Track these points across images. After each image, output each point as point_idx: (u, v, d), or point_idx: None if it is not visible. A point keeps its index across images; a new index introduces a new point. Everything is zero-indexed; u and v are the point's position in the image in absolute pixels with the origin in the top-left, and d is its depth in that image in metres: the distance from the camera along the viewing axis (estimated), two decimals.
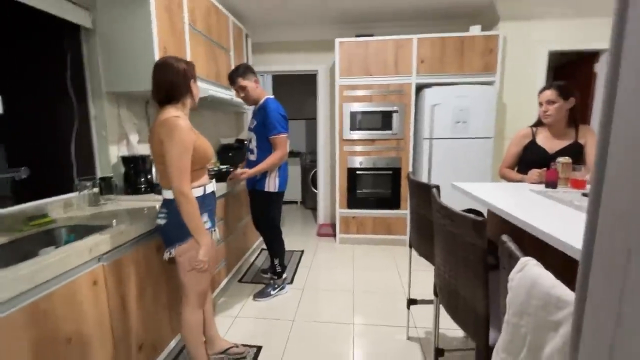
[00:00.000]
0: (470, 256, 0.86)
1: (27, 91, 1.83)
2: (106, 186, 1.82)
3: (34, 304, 0.93)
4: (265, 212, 2.26)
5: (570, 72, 3.55)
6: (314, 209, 4.60)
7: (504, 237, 0.64)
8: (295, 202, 5.24)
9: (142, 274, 1.41)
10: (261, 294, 2.33)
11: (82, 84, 1.85)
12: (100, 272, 1.18)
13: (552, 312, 0.48)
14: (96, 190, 1.76)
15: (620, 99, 0.31)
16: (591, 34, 3.02)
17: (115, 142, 1.97)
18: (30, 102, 1.83)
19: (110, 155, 1.93)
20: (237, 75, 2.10)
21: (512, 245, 0.61)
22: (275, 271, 2.37)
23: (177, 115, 1.28)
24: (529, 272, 0.51)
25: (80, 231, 1.40)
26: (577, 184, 1.52)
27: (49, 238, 1.36)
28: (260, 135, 2.15)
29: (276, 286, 2.37)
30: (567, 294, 0.48)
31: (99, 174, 1.91)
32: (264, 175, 2.17)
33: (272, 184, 2.18)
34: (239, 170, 2.17)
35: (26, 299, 0.91)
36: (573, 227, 1.01)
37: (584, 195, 1.37)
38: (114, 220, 1.42)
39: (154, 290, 1.49)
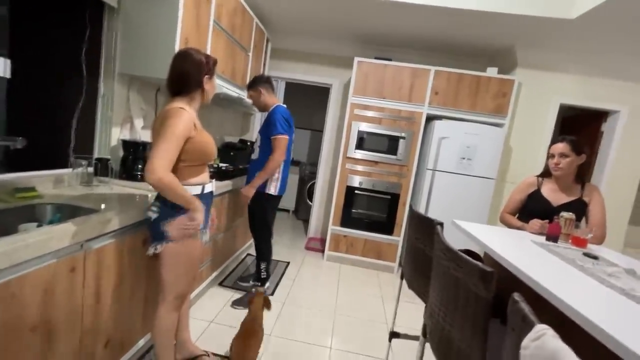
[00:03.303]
0: (472, 305, 0.83)
1: (39, 59, 1.78)
2: (102, 167, 1.76)
3: (5, 285, 0.86)
4: (261, 212, 2.30)
5: (578, 125, 3.60)
6: (305, 220, 4.54)
7: (516, 296, 0.61)
8: (288, 211, 5.17)
9: (123, 266, 1.34)
10: (241, 302, 2.25)
11: (96, 61, 1.81)
12: (80, 258, 1.11)
13: None
14: (91, 170, 1.70)
15: None
16: (603, 93, 3.08)
17: (119, 124, 1.92)
18: (41, 70, 1.79)
19: (111, 136, 1.88)
20: (258, 82, 2.28)
21: (526, 308, 0.57)
22: (259, 277, 2.32)
23: (182, 106, 1.25)
24: (547, 343, 0.47)
25: (66, 211, 1.34)
26: (578, 242, 1.49)
27: (32, 213, 1.29)
28: (263, 136, 2.25)
29: None
30: None
31: (97, 154, 1.85)
32: None
33: (272, 187, 2.24)
34: (243, 191, 2.22)
35: None
36: (574, 286, 0.98)
37: (585, 255, 1.35)
38: (103, 205, 1.36)
39: (131, 284, 1.42)
